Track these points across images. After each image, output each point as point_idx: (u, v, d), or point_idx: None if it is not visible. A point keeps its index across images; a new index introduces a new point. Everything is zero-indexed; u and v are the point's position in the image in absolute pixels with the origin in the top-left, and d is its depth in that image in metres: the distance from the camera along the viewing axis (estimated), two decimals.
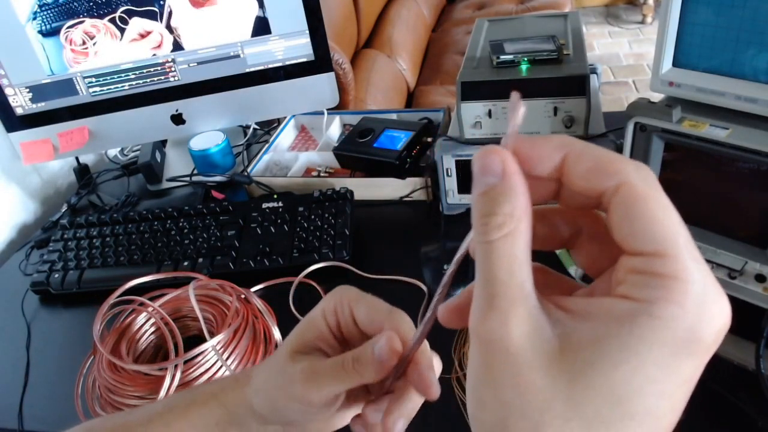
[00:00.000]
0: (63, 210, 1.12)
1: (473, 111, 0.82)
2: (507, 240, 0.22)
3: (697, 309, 0.21)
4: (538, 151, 0.24)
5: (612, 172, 0.22)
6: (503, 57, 0.82)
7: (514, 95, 0.25)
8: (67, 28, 0.98)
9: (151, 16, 0.97)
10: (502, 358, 0.22)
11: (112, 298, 0.77)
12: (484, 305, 0.22)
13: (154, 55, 1.00)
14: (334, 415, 0.40)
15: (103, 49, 0.99)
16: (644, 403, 0.20)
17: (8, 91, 1.01)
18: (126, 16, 0.97)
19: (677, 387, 0.21)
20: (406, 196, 0.97)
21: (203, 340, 0.70)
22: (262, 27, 0.98)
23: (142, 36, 0.98)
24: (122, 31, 0.98)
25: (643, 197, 0.22)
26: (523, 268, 0.22)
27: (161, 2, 0.96)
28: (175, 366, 0.68)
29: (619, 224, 0.22)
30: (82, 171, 1.18)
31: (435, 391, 0.34)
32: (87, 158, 1.24)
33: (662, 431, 0.21)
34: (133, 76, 1.02)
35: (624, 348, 0.20)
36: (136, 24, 0.97)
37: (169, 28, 0.98)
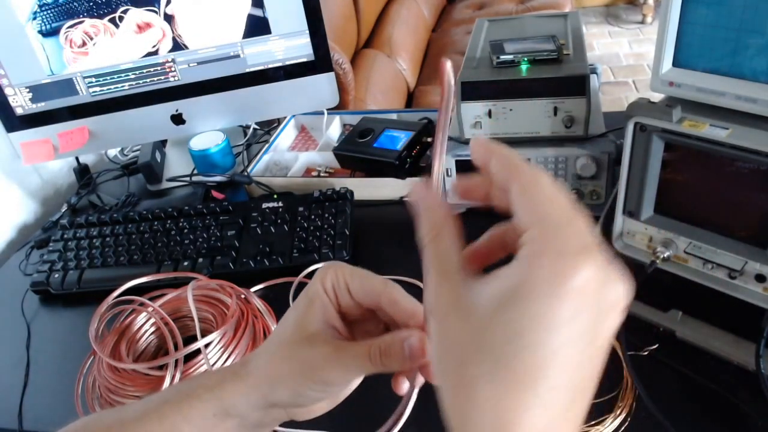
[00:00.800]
0: (63, 210, 1.12)
1: (473, 111, 0.82)
2: (436, 240, 0.31)
3: (558, 258, 0.26)
4: (486, 149, 0.32)
5: (513, 167, 0.30)
6: (503, 57, 0.82)
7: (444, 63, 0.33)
8: (67, 28, 0.98)
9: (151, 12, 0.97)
10: (437, 320, 0.29)
11: (111, 299, 0.77)
12: (428, 288, 0.30)
13: (154, 47, 1.00)
14: (340, 393, 0.42)
15: (103, 48, 0.99)
16: (533, 338, 0.25)
17: (8, 91, 1.01)
18: (126, 17, 0.97)
19: (559, 324, 0.25)
20: (406, 196, 0.97)
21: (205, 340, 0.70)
22: (262, 27, 0.98)
23: (140, 28, 0.98)
24: (120, 22, 0.98)
25: (528, 186, 0.29)
26: (450, 254, 0.31)
27: (160, 2, 0.96)
28: (175, 366, 0.68)
29: (515, 211, 0.29)
30: (82, 171, 1.18)
31: None
32: (87, 158, 1.24)
33: (560, 364, 0.25)
34: (133, 76, 1.02)
35: (512, 295, 0.26)
36: (134, 15, 0.97)
37: (168, 20, 0.98)
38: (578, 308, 0.25)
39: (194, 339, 0.76)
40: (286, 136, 1.19)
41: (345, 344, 0.39)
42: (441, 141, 0.33)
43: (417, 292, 0.82)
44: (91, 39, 0.99)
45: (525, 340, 0.25)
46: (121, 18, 0.97)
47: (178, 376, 0.67)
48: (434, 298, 0.30)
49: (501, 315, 0.26)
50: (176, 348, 0.70)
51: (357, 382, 0.42)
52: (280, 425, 0.43)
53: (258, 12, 0.97)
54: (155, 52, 1.00)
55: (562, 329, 0.25)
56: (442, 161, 0.34)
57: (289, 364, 0.39)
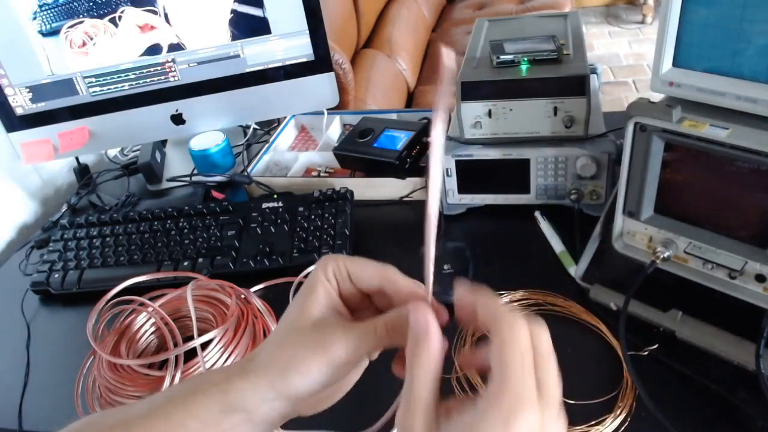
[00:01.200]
0: (63, 210, 1.12)
1: (473, 111, 0.82)
2: (422, 370, 0.35)
3: (507, 407, 0.31)
4: (465, 298, 0.37)
5: (492, 323, 0.35)
6: (503, 57, 0.82)
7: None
8: (68, 28, 0.98)
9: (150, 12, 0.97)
10: None
11: (110, 296, 0.77)
12: (404, 405, 0.34)
13: (153, 46, 1.00)
14: (345, 382, 0.44)
15: (103, 48, 0.99)
16: None
17: (8, 91, 1.01)
18: (124, 16, 0.97)
19: None
20: (406, 196, 0.97)
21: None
22: (262, 27, 0.98)
23: (141, 28, 0.98)
24: (120, 21, 0.98)
25: (503, 345, 0.33)
26: (429, 388, 0.34)
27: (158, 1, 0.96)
28: (175, 365, 0.68)
29: (490, 354, 0.34)
30: (82, 171, 1.18)
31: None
32: (87, 158, 1.24)
33: None
34: (133, 76, 1.02)
35: (468, 429, 0.32)
36: (133, 15, 0.97)
37: (167, 20, 0.98)
38: None
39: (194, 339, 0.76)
40: (286, 136, 1.19)
41: (352, 323, 0.41)
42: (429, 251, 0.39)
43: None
44: (91, 39, 0.99)
45: None
46: (120, 18, 0.97)
47: (178, 375, 0.67)
48: (409, 423, 0.34)
49: None
50: (176, 348, 0.70)
51: (360, 370, 0.44)
52: (285, 425, 0.43)
53: (258, 12, 0.97)
54: (155, 51, 1.00)
55: None
56: (430, 266, 0.39)
57: (299, 348, 0.40)
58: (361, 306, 0.44)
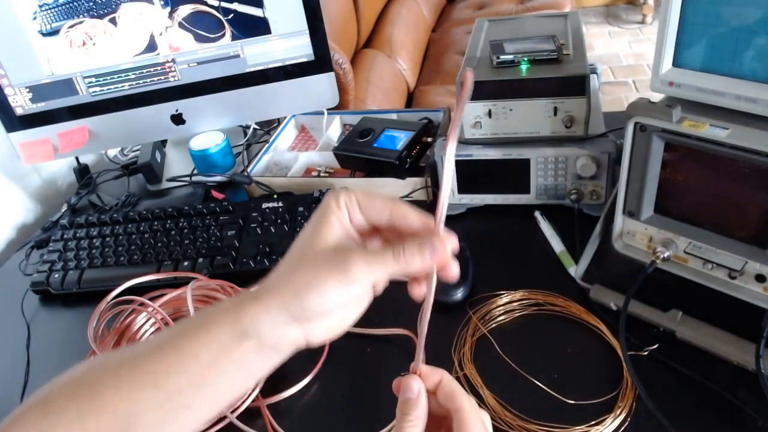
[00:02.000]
0: (63, 210, 1.12)
1: (473, 111, 0.83)
2: (408, 427, 0.41)
3: None
4: (431, 373, 0.43)
5: (457, 398, 0.42)
6: (503, 57, 0.82)
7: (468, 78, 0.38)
8: (68, 28, 0.98)
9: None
10: None
11: (110, 297, 0.77)
12: None
13: (153, 37, 1.00)
14: (347, 313, 0.44)
15: (103, 47, 0.99)
16: None
17: (8, 91, 1.01)
18: (121, 10, 0.97)
19: None
20: (406, 196, 0.97)
21: None
22: (262, 27, 0.98)
23: (137, 20, 0.98)
24: (119, 19, 0.98)
25: (468, 417, 0.41)
26: None
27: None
28: None
29: (454, 427, 0.41)
30: (82, 171, 1.18)
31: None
32: (87, 158, 1.24)
33: None
34: (133, 76, 1.02)
35: None
36: (130, 8, 0.97)
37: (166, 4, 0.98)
38: None
39: None
40: (286, 136, 1.19)
41: (368, 248, 0.42)
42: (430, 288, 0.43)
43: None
44: (91, 39, 0.99)
45: None
46: (119, 17, 0.97)
47: None
48: None
49: None
50: None
51: (363, 306, 0.44)
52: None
53: (258, 12, 0.97)
54: (154, 48, 1.00)
55: None
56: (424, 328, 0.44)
57: (318, 268, 0.40)
58: (369, 240, 0.45)
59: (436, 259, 0.41)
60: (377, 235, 0.45)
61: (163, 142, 1.19)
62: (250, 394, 0.67)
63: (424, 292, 0.43)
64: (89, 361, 0.43)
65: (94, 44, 0.99)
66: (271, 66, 1.01)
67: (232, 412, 0.66)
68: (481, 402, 0.64)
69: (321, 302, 0.40)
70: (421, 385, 0.42)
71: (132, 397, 0.39)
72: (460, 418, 0.41)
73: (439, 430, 0.44)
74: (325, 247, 0.41)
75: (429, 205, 0.95)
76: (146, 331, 0.75)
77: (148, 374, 0.40)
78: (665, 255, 0.64)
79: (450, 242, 0.42)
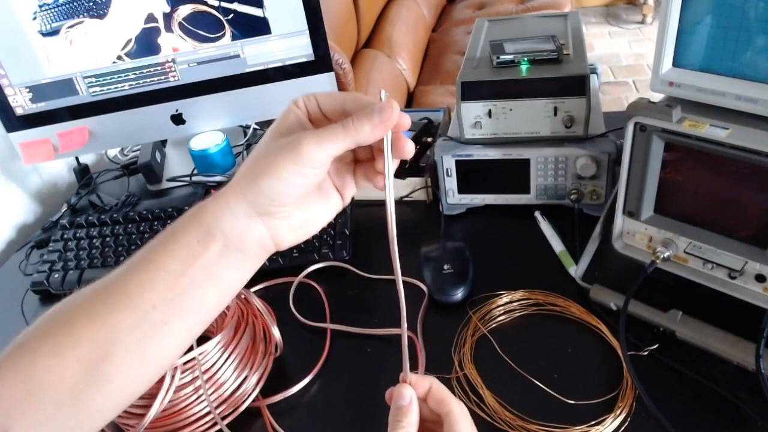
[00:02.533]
0: (63, 210, 1.12)
1: (473, 111, 0.82)
2: None
3: None
4: (421, 381, 0.45)
5: (447, 404, 0.44)
6: (503, 57, 0.82)
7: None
8: (67, 28, 0.98)
9: None
10: None
11: None
12: None
13: (149, 13, 1.00)
14: (315, 214, 0.45)
15: (103, 47, 0.99)
16: None
17: (8, 91, 1.01)
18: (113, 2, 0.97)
19: None
20: (406, 196, 0.97)
21: (203, 340, 0.70)
22: (262, 27, 0.98)
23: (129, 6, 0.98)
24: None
25: (457, 422, 0.43)
26: None
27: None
28: (175, 366, 0.67)
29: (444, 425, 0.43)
30: (82, 171, 1.18)
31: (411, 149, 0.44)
32: (87, 158, 1.24)
33: None
34: (133, 76, 1.02)
35: None
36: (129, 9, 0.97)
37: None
38: None
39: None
40: None
41: (320, 126, 0.43)
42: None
43: (417, 292, 0.82)
44: (91, 39, 0.99)
45: None
46: (119, 16, 0.97)
47: (177, 375, 0.67)
48: None
49: None
50: None
51: (334, 208, 0.47)
52: None
53: (258, 12, 0.97)
54: (156, 50, 1.00)
55: None
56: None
57: (270, 154, 0.41)
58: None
59: (385, 122, 0.41)
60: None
61: (163, 142, 1.19)
62: (250, 394, 0.67)
63: (384, 182, 0.43)
64: (64, 299, 0.42)
65: (94, 44, 0.99)
66: (271, 66, 1.01)
67: (225, 417, 0.66)
68: (481, 402, 0.64)
69: (276, 185, 0.40)
70: (412, 393, 0.44)
71: (107, 321, 0.39)
72: (450, 420, 0.43)
73: None
74: (281, 136, 0.42)
75: (429, 206, 0.95)
76: None
77: (121, 295, 0.40)
78: (665, 255, 0.64)
79: (396, 108, 0.42)
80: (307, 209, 0.44)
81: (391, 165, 0.42)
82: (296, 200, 0.42)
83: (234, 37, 0.99)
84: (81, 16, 0.97)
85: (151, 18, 0.98)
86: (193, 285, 0.40)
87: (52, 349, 0.39)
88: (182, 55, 1.01)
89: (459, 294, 0.76)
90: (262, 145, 0.43)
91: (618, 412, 0.61)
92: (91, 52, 0.99)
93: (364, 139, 0.41)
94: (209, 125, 1.09)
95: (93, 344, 0.39)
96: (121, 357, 0.39)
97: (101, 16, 0.97)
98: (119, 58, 1.00)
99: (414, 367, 0.68)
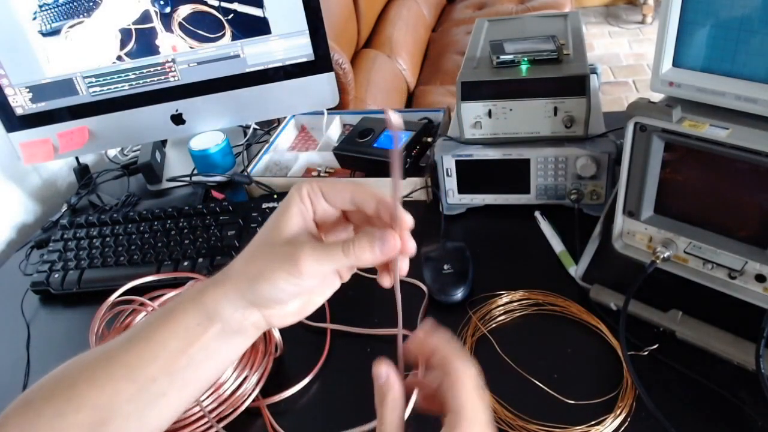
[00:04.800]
0: (63, 210, 1.12)
1: (473, 111, 0.82)
2: (387, 411, 0.41)
3: None
4: (424, 343, 0.43)
5: (444, 367, 0.41)
6: (503, 57, 0.82)
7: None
8: (68, 28, 0.98)
9: None
10: None
11: (110, 301, 0.77)
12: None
13: (144, 10, 1.00)
14: (312, 298, 0.46)
15: (103, 46, 0.99)
16: None
17: (8, 91, 1.01)
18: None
19: None
20: (406, 196, 0.97)
21: None
22: (262, 27, 0.98)
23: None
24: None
25: (457, 382, 0.40)
26: (397, 424, 0.41)
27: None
28: None
29: (444, 389, 0.40)
30: (82, 171, 1.18)
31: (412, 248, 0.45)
32: (87, 158, 1.24)
33: None
34: (133, 76, 1.02)
35: None
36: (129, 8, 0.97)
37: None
38: None
39: None
40: (286, 136, 1.19)
41: (320, 242, 0.43)
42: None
43: (417, 292, 0.82)
44: (91, 39, 0.99)
45: None
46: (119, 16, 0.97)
47: None
48: None
49: None
50: None
51: (331, 290, 0.47)
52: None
53: (258, 12, 0.97)
54: (155, 50, 1.00)
55: None
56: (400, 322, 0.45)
57: (269, 260, 0.42)
58: (337, 225, 0.46)
59: (386, 253, 0.42)
60: (344, 220, 0.46)
61: (163, 142, 1.19)
62: (250, 394, 0.67)
63: (392, 282, 0.44)
64: (67, 362, 0.44)
65: (93, 44, 0.99)
66: (271, 66, 1.01)
67: (225, 417, 0.66)
68: None
69: (273, 291, 0.42)
70: (388, 369, 0.42)
71: (108, 389, 0.41)
72: (448, 384, 0.40)
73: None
74: (281, 239, 0.42)
75: (429, 206, 0.95)
76: None
77: (122, 366, 0.42)
78: (665, 255, 0.64)
79: (404, 228, 0.43)
80: (304, 297, 0.46)
81: (398, 273, 0.44)
82: (294, 297, 0.44)
83: (234, 37, 0.99)
84: (81, 16, 0.97)
85: (147, 17, 0.98)
86: (192, 362, 0.43)
87: (55, 412, 0.41)
88: (182, 55, 1.01)
89: (459, 294, 0.76)
90: (264, 238, 0.44)
91: (618, 412, 0.61)
92: (91, 52, 0.99)
93: (365, 264, 0.42)
94: (209, 125, 1.09)
95: (94, 410, 0.41)
96: (120, 423, 0.42)
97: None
98: (119, 58, 1.00)
99: (414, 367, 0.68)
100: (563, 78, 0.78)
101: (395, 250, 0.42)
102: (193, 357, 0.42)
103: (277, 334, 0.74)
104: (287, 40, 0.99)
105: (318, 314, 0.78)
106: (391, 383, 0.41)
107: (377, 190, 0.44)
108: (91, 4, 0.96)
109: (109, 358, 0.42)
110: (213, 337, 0.43)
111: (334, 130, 1.16)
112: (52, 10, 0.96)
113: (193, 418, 0.64)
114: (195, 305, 0.42)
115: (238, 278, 0.43)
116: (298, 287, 0.42)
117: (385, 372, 0.42)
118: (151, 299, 0.77)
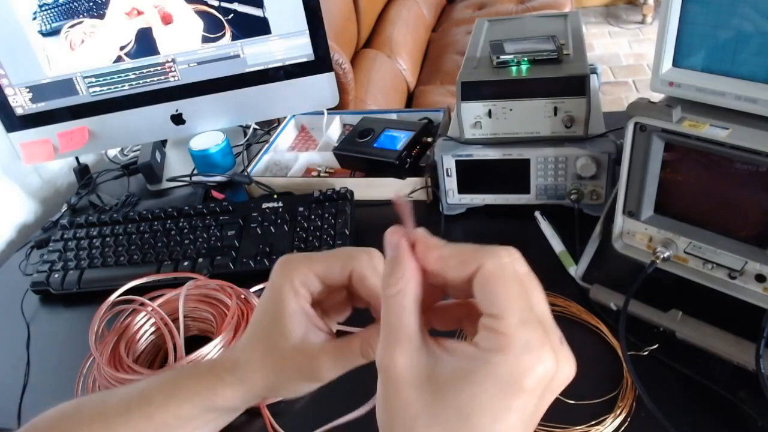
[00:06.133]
0: (63, 210, 1.12)
1: (473, 111, 0.82)
2: (397, 296, 0.30)
3: (518, 360, 0.27)
4: (428, 248, 0.31)
5: (471, 261, 0.30)
6: (503, 57, 0.82)
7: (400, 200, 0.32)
8: (68, 28, 0.98)
9: None
10: (391, 379, 0.29)
11: (110, 301, 0.77)
12: (382, 341, 0.30)
13: (145, 27, 1.00)
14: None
15: (96, 43, 0.99)
16: (480, 421, 0.27)
17: (8, 91, 1.01)
18: (111, 4, 0.97)
19: (505, 415, 0.27)
20: (406, 196, 0.97)
21: (203, 340, 0.70)
22: (262, 27, 0.98)
23: (129, 15, 0.98)
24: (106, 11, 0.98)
25: (492, 275, 0.29)
26: (410, 315, 0.30)
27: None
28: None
29: (477, 295, 0.29)
30: (82, 171, 1.18)
31: None
32: (87, 158, 1.24)
33: None
34: (133, 76, 1.02)
35: (467, 379, 0.28)
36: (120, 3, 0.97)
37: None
38: (527, 402, 0.28)
39: (194, 339, 0.76)
40: (286, 136, 1.19)
41: (335, 347, 0.40)
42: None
43: None
44: (92, 39, 0.99)
45: (472, 423, 0.27)
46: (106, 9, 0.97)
47: None
48: (388, 358, 0.30)
49: (456, 394, 0.28)
50: (175, 348, 0.70)
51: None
52: None
53: (258, 12, 0.97)
54: (146, 35, 1.00)
55: (509, 419, 0.27)
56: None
57: (286, 372, 0.41)
58: (337, 295, 0.43)
59: (392, 258, 0.39)
60: (343, 288, 0.42)
61: (163, 142, 1.19)
62: None
63: None
64: (62, 410, 0.44)
65: (94, 44, 0.99)
66: (271, 66, 1.01)
67: None
68: None
69: (293, 395, 0.43)
70: (401, 239, 0.32)
71: None
72: (481, 282, 0.29)
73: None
74: (290, 346, 0.39)
75: (428, 206, 0.95)
76: (146, 331, 0.75)
77: None
78: (665, 255, 0.64)
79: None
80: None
81: None
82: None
83: (234, 37, 0.99)
84: (81, 16, 0.97)
85: (148, 18, 0.98)
86: None
87: None
88: (182, 55, 1.01)
89: None
90: (270, 345, 0.40)
91: (618, 412, 0.61)
92: (91, 52, 0.99)
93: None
94: (209, 125, 1.09)
95: None
96: None
97: (101, 16, 0.97)
98: (119, 58, 1.01)
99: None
100: (563, 78, 0.78)
101: (402, 251, 0.39)
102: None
103: None
104: (287, 40, 0.99)
105: None
106: (402, 256, 0.31)
107: (374, 269, 0.39)
108: (90, 4, 0.96)
109: (107, 424, 0.42)
110: (215, 418, 0.43)
111: (334, 130, 1.16)
112: (52, 10, 0.96)
113: None
114: (201, 398, 0.42)
115: (252, 383, 0.41)
116: (318, 385, 0.42)
117: (395, 241, 0.31)
118: (151, 299, 0.77)
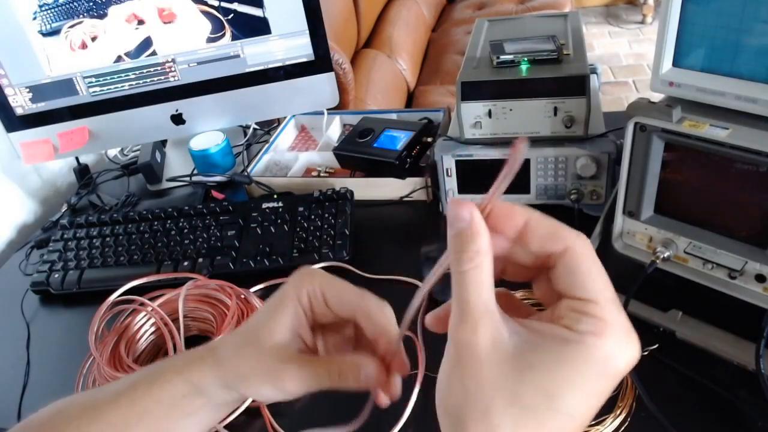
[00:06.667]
0: (63, 210, 1.12)
1: (473, 111, 0.82)
2: (475, 270, 0.29)
3: (614, 344, 0.28)
4: (510, 213, 0.31)
5: (561, 238, 0.30)
6: (503, 57, 0.82)
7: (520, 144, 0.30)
8: (68, 28, 0.98)
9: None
10: (469, 356, 0.29)
11: (110, 301, 0.77)
12: (459, 318, 0.29)
13: (146, 37, 1.00)
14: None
15: (102, 47, 0.99)
16: (566, 402, 0.27)
17: (8, 91, 1.01)
18: (110, 12, 0.97)
19: (591, 396, 0.28)
20: (406, 196, 0.97)
21: (203, 340, 0.70)
22: (262, 27, 0.98)
23: (129, 21, 0.98)
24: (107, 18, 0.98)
25: (583, 259, 0.29)
26: (488, 290, 0.29)
27: None
28: None
29: (564, 277, 0.29)
30: (82, 171, 1.18)
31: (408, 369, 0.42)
32: (87, 158, 1.24)
33: (577, 424, 0.28)
34: (133, 76, 1.02)
35: (559, 360, 0.28)
36: (121, 9, 0.97)
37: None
38: (612, 385, 0.29)
39: (194, 339, 0.76)
40: (286, 136, 1.19)
41: (308, 361, 0.41)
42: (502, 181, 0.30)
43: (414, 291, 0.81)
44: (92, 39, 0.99)
45: (556, 403, 0.27)
46: (107, 14, 0.97)
47: None
48: (470, 333, 0.29)
49: (545, 374, 0.28)
50: (175, 348, 0.70)
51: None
52: None
53: (258, 12, 0.97)
54: (147, 45, 1.00)
55: (593, 400, 0.28)
56: (500, 190, 0.31)
57: (255, 367, 0.41)
58: (333, 324, 0.44)
59: (373, 387, 0.40)
60: (340, 323, 0.44)
61: (163, 142, 1.19)
62: None
63: (386, 401, 0.42)
64: (56, 406, 0.45)
65: (94, 44, 0.99)
66: (271, 66, 1.01)
67: (221, 420, 0.66)
68: None
69: (256, 395, 0.42)
70: (473, 210, 0.30)
71: None
72: (568, 262, 0.29)
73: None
74: (270, 342, 0.41)
75: (429, 206, 0.95)
76: (146, 331, 0.75)
77: (108, 424, 0.42)
78: (665, 255, 0.64)
79: (401, 371, 0.41)
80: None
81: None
82: (278, 398, 0.43)
83: (234, 37, 0.99)
84: (81, 16, 0.97)
85: (147, 18, 0.98)
86: (176, 427, 0.43)
87: None
88: (182, 55, 1.01)
89: None
90: (257, 332, 0.42)
91: (618, 412, 0.61)
92: (91, 51, 0.99)
93: (347, 388, 0.40)
94: (209, 125, 1.09)
95: None
96: None
97: (101, 16, 0.97)
98: (119, 58, 1.01)
99: (414, 367, 0.68)
100: (563, 78, 0.78)
101: (381, 385, 0.40)
102: (178, 423, 0.43)
103: None
104: (287, 40, 0.99)
105: None
106: (477, 228, 0.30)
107: (383, 313, 0.41)
108: (90, 4, 0.96)
109: (96, 413, 0.42)
110: (198, 408, 0.43)
111: (334, 130, 1.16)
112: (52, 10, 0.96)
113: None
114: (182, 379, 0.42)
115: (226, 368, 0.42)
116: (282, 397, 0.42)
117: (467, 213, 0.30)
118: (151, 299, 0.77)
